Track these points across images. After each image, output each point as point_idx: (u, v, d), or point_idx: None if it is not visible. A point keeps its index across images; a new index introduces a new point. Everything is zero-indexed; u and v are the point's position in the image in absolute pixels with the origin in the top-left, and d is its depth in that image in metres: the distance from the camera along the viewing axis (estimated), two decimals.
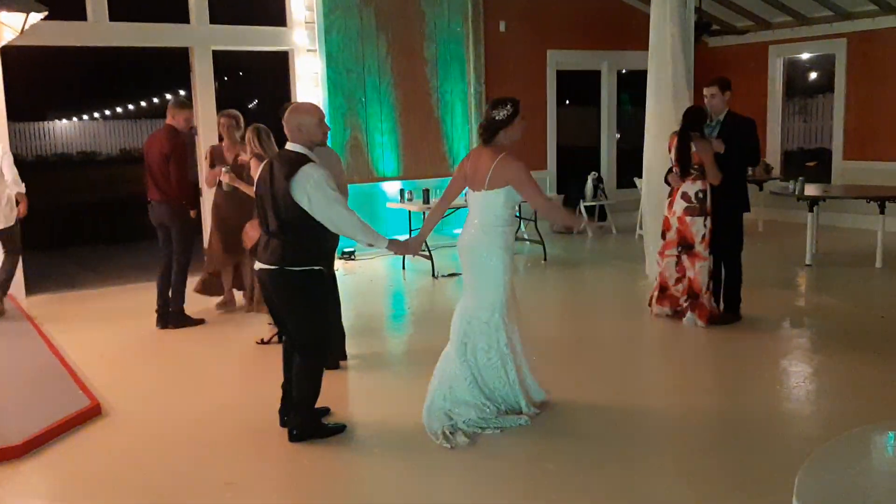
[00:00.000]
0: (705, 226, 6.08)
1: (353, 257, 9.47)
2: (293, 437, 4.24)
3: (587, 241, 10.54)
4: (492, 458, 4.04)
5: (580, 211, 10.94)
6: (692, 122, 6.05)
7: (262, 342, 6.04)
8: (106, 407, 4.81)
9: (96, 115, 33.25)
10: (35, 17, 6.23)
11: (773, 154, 11.59)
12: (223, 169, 6.60)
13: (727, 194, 6.04)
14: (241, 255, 6.82)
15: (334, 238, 4.28)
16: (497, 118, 4.27)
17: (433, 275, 8.44)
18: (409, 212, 9.33)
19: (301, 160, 4.03)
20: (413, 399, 4.57)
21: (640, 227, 9.59)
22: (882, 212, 8.28)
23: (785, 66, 11.76)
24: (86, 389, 4.99)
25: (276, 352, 5.34)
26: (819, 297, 7.44)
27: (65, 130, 32.90)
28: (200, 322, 6.73)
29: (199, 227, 7.73)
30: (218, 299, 7.21)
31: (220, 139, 7.01)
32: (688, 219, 6.11)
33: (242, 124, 6.85)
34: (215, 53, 8.81)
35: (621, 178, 11.95)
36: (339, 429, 4.38)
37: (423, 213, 8.90)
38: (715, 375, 5.41)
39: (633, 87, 11.83)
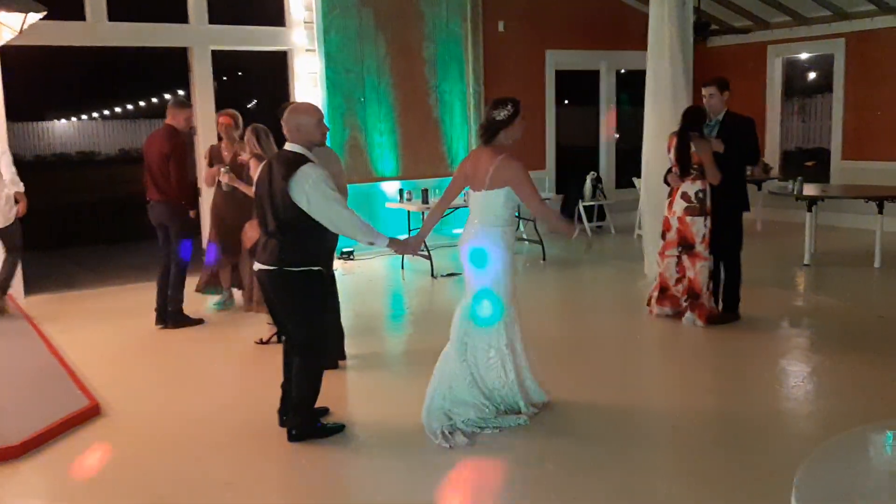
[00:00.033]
0: (705, 226, 6.09)
1: (351, 257, 9.47)
2: (292, 437, 4.24)
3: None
4: (491, 459, 4.04)
5: (579, 212, 10.97)
6: (691, 122, 6.05)
7: (262, 342, 6.04)
8: (105, 407, 4.81)
9: (95, 115, 33.26)
10: (34, 17, 6.22)
11: (771, 154, 11.60)
12: (222, 169, 6.60)
13: (727, 194, 6.04)
14: (239, 255, 6.82)
15: (333, 238, 4.28)
16: (497, 118, 4.28)
17: (432, 275, 8.44)
18: (408, 212, 9.33)
19: (299, 160, 4.03)
20: (412, 399, 4.57)
21: (639, 227, 9.60)
22: (880, 211, 8.29)
23: (784, 66, 11.76)
24: (84, 389, 4.99)
25: (275, 352, 5.34)
26: (818, 297, 7.45)
27: (64, 130, 32.91)
28: (199, 322, 6.73)
29: (198, 227, 7.73)
30: (216, 298, 7.23)
31: (220, 139, 7.02)
32: (688, 219, 6.12)
33: (241, 124, 6.85)
34: (214, 53, 8.81)
35: (620, 178, 11.95)
36: (338, 428, 4.38)
37: (422, 213, 8.90)
38: (714, 375, 5.41)
39: (631, 87, 11.84)
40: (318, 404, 4.37)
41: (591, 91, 11.93)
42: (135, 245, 10.71)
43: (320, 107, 8.89)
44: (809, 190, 8.85)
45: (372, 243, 4.11)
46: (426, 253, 8.42)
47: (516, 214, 4.51)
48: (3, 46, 7.03)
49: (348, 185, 5.76)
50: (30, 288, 7.85)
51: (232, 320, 6.89)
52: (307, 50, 9.29)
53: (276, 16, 9.29)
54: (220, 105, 7.83)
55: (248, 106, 20.29)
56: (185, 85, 9.10)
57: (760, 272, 7.89)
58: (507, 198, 4.27)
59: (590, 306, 7.49)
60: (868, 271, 8.19)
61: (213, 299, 7.26)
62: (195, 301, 7.02)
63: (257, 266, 4.20)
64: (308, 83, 9.32)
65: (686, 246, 6.16)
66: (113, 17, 8.22)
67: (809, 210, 8.47)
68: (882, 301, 7.26)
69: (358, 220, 4.05)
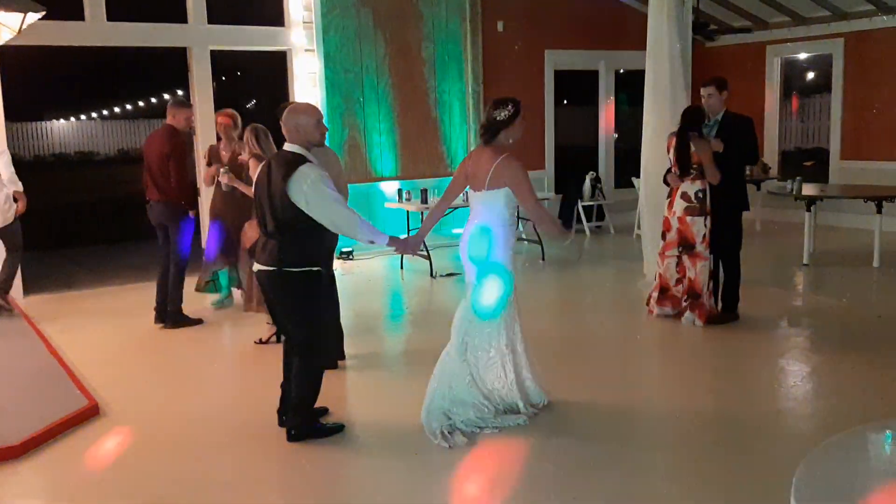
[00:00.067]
0: (706, 225, 6.09)
1: (351, 257, 9.47)
2: (291, 437, 4.24)
3: (585, 242, 10.55)
4: (490, 458, 4.04)
5: (578, 212, 10.97)
6: (690, 122, 6.05)
7: (261, 342, 6.04)
8: (104, 407, 4.81)
9: (94, 115, 33.22)
10: (33, 17, 6.22)
11: (770, 154, 11.61)
12: (221, 170, 6.60)
13: (726, 193, 6.05)
14: (236, 255, 6.86)
15: (332, 238, 4.28)
16: (498, 118, 4.28)
17: (431, 275, 8.44)
18: (408, 212, 9.33)
19: (298, 161, 4.03)
20: (411, 399, 4.57)
21: (638, 227, 9.60)
22: (879, 211, 8.30)
23: (782, 66, 11.77)
24: (84, 389, 4.99)
25: (275, 352, 5.35)
26: (816, 297, 7.46)
27: (62, 130, 32.87)
28: (198, 322, 6.73)
29: (196, 227, 7.72)
30: (215, 297, 7.24)
31: (219, 139, 7.02)
32: (688, 219, 6.12)
33: (240, 124, 6.85)
34: (213, 53, 8.81)
35: (619, 177, 11.95)
36: (338, 428, 4.38)
37: (421, 213, 8.91)
38: (713, 375, 5.41)
39: (630, 87, 11.84)
40: (317, 404, 4.38)
41: (590, 91, 11.94)
42: (134, 245, 10.71)
43: (319, 107, 8.92)
44: (808, 190, 8.86)
45: (372, 242, 4.10)
46: (425, 253, 8.43)
47: (517, 215, 4.51)
48: (2, 46, 7.03)
49: (348, 185, 5.76)
50: (29, 288, 7.85)
51: (231, 320, 6.89)
52: (306, 50, 9.29)
53: (275, 16, 9.29)
54: (220, 105, 7.83)
55: (248, 106, 20.27)
56: (185, 85, 9.10)
57: (759, 272, 7.89)
58: (508, 198, 4.27)
59: (589, 306, 7.49)
60: (867, 271, 8.20)
61: (212, 298, 7.26)
62: (195, 301, 7.02)
63: (257, 267, 4.20)
64: (307, 83, 9.32)
65: (686, 246, 6.16)
66: (112, 17, 8.22)
67: (808, 210, 8.48)
68: (881, 301, 7.27)
69: (358, 218, 4.05)
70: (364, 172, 9.82)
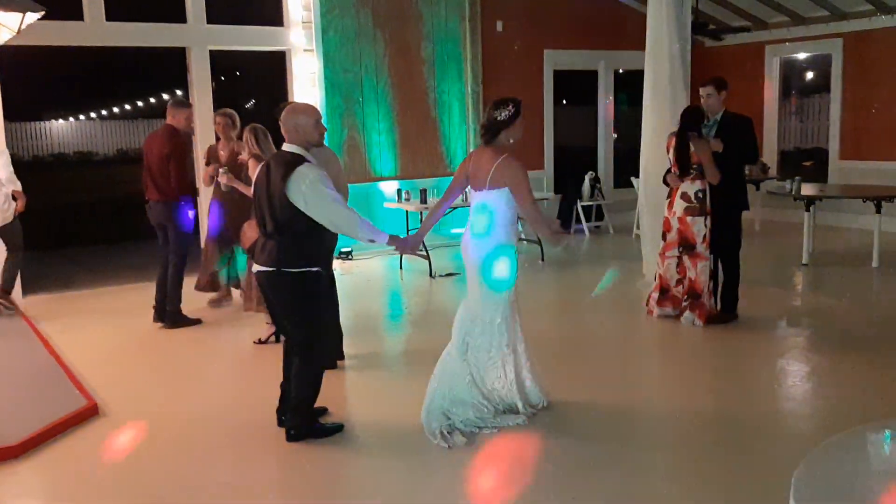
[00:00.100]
0: (706, 226, 6.09)
1: (350, 257, 9.47)
2: (290, 437, 4.24)
3: (584, 243, 10.55)
4: (489, 458, 4.04)
5: (577, 212, 10.97)
6: (690, 122, 6.05)
7: (260, 342, 6.04)
8: (103, 407, 4.80)
9: (93, 115, 33.21)
10: (32, 17, 6.21)
11: (769, 154, 11.61)
12: (220, 170, 6.60)
13: (726, 193, 6.05)
14: (233, 252, 6.92)
15: (332, 239, 4.27)
16: (499, 118, 4.29)
17: (430, 275, 8.44)
18: (407, 212, 9.33)
19: (297, 161, 4.03)
20: (410, 399, 4.57)
21: (637, 227, 9.60)
22: (878, 211, 8.30)
23: (781, 66, 11.77)
24: (83, 389, 4.98)
25: (274, 351, 5.34)
26: (816, 297, 7.46)
27: (61, 130, 32.84)
28: (197, 322, 6.73)
29: (196, 227, 7.72)
30: (213, 295, 7.26)
31: (218, 139, 7.03)
32: (688, 219, 6.11)
33: (238, 123, 6.86)
34: (212, 53, 8.80)
35: (618, 177, 11.96)
36: (337, 428, 4.38)
37: (421, 213, 8.91)
38: (712, 375, 5.41)
39: (630, 86, 11.84)
40: (317, 404, 4.37)
41: (590, 91, 11.94)
42: (133, 245, 10.71)
43: (319, 107, 8.92)
44: (807, 190, 8.86)
45: (372, 241, 4.10)
46: (425, 253, 8.43)
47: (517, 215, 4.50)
48: (1, 46, 7.02)
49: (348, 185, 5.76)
50: (28, 288, 7.84)
51: (230, 320, 6.89)
52: (305, 50, 9.28)
53: (274, 16, 9.28)
54: (219, 105, 7.83)
55: (247, 106, 20.26)
56: (184, 85, 9.09)
57: (759, 272, 7.90)
58: (509, 198, 4.27)
59: (588, 306, 7.49)
60: (866, 271, 8.20)
61: (210, 296, 7.26)
62: (193, 300, 7.02)
63: (256, 268, 4.20)
64: (306, 83, 9.32)
65: (687, 246, 6.16)
66: (111, 17, 8.21)
67: (807, 210, 8.48)
68: (880, 301, 7.27)
69: (357, 217, 4.05)
70: (363, 172, 9.82)
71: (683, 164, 6.05)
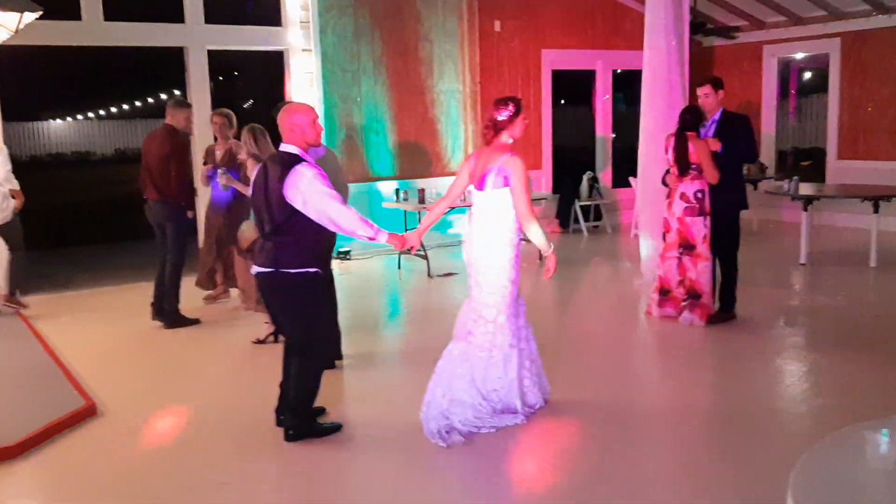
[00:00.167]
0: (705, 226, 6.09)
1: (348, 257, 9.47)
2: (289, 437, 4.24)
3: (582, 241, 10.56)
4: (488, 458, 4.04)
5: (575, 212, 10.98)
6: (688, 122, 6.06)
7: (259, 342, 6.04)
8: (101, 407, 4.80)
9: (91, 115, 33.18)
10: (29, 17, 6.20)
11: (767, 154, 11.62)
12: (219, 171, 6.60)
13: (725, 193, 6.05)
14: (224, 256, 6.96)
15: (330, 239, 4.28)
16: (500, 119, 4.30)
17: (429, 275, 8.44)
18: (405, 211, 9.33)
19: (294, 161, 4.03)
20: (409, 398, 4.58)
21: (636, 227, 9.61)
22: (876, 211, 8.31)
23: (779, 65, 11.79)
24: (81, 389, 4.98)
25: (272, 351, 5.35)
26: (813, 297, 7.47)
27: (59, 130, 32.81)
28: (196, 322, 6.73)
29: (194, 227, 7.74)
30: (211, 292, 7.30)
31: (216, 139, 7.03)
32: (687, 219, 6.11)
33: (235, 123, 6.86)
34: (210, 53, 8.80)
35: (616, 177, 11.96)
36: (335, 428, 4.38)
37: (419, 212, 8.91)
38: (710, 374, 5.42)
39: (628, 86, 11.85)
40: (315, 404, 4.37)
41: (588, 90, 11.95)
42: (131, 245, 10.70)
43: (317, 107, 8.92)
44: (805, 189, 8.87)
45: (372, 238, 4.10)
46: (423, 253, 8.44)
47: None
48: None
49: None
50: (26, 288, 7.82)
51: (229, 320, 6.89)
52: (303, 50, 9.28)
53: (272, 16, 9.28)
54: (217, 105, 7.84)
55: (245, 106, 20.27)
56: (182, 85, 9.08)
57: (757, 272, 7.91)
58: (510, 198, 4.28)
59: (586, 306, 7.49)
60: (864, 270, 8.21)
61: (205, 294, 7.28)
62: (192, 300, 7.02)
63: (255, 269, 4.20)
64: (304, 83, 9.31)
65: (687, 247, 6.16)
66: (108, 16, 8.20)
67: (805, 209, 8.49)
68: (878, 300, 7.28)
69: (356, 215, 4.05)
70: (361, 172, 9.82)
71: (682, 165, 6.06)
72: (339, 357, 5.53)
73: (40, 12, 6.23)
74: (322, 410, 4.57)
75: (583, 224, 10.98)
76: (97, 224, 14.42)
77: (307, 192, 3.95)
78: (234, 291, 7.33)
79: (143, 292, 6.99)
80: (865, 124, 10.58)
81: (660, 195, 6.62)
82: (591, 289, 8.16)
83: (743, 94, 11.68)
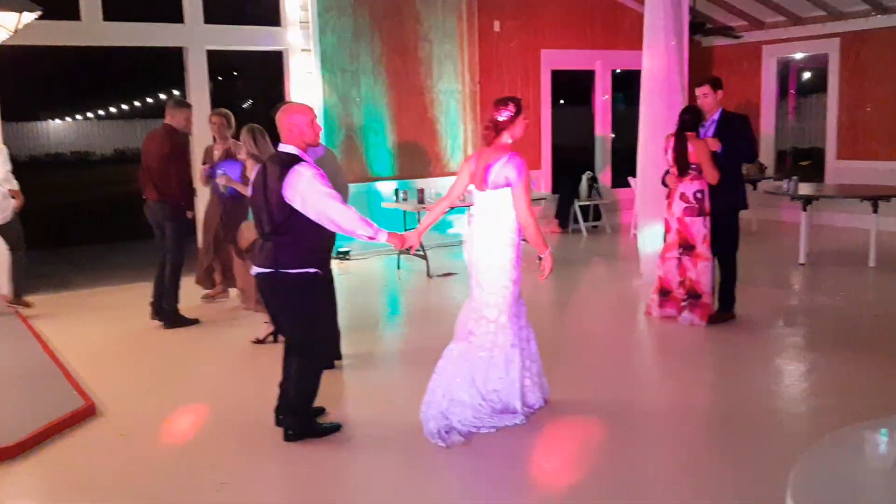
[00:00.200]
0: (705, 226, 6.09)
1: (347, 257, 9.47)
2: (288, 437, 4.24)
3: (582, 241, 10.56)
4: (487, 458, 4.04)
5: (575, 212, 10.98)
6: (688, 123, 6.06)
7: (258, 341, 6.04)
8: (100, 407, 4.80)
9: (90, 115, 33.19)
10: (28, 17, 6.20)
11: (766, 154, 11.63)
12: (219, 171, 6.60)
13: (725, 192, 6.05)
14: (218, 256, 6.97)
15: (330, 239, 4.27)
16: (500, 119, 4.30)
17: (428, 275, 8.44)
18: (404, 212, 9.33)
19: (293, 161, 4.02)
20: (408, 398, 4.58)
21: (635, 227, 9.61)
22: (875, 211, 8.32)
23: (778, 65, 11.79)
24: (80, 390, 4.98)
25: (271, 351, 5.35)
26: (813, 296, 7.47)
27: (58, 130, 32.82)
28: (195, 322, 6.73)
29: (193, 227, 7.74)
30: (209, 291, 7.31)
31: (215, 139, 7.03)
32: (687, 219, 6.11)
33: (233, 123, 6.86)
34: (209, 53, 8.80)
35: (616, 177, 11.97)
36: (335, 428, 4.38)
37: (418, 213, 8.92)
38: (710, 374, 5.42)
39: (627, 86, 11.85)
40: (314, 404, 4.37)
41: (587, 90, 11.96)
42: (130, 245, 10.70)
43: (316, 107, 8.92)
44: (804, 189, 8.88)
45: (372, 238, 4.09)
46: (423, 253, 8.44)
47: None
48: None
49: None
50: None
51: (228, 320, 6.88)
52: (303, 50, 9.28)
53: (271, 16, 9.28)
54: (216, 105, 7.84)
55: (244, 106, 20.27)
56: (181, 85, 9.08)
57: (756, 272, 7.91)
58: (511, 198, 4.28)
59: (586, 305, 7.50)
60: (863, 270, 8.21)
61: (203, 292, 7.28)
62: (191, 299, 7.02)
63: (254, 270, 4.20)
64: (303, 83, 9.31)
65: (687, 247, 6.16)
66: (108, 16, 8.20)
67: (804, 209, 8.49)
68: (877, 300, 7.28)
69: (356, 214, 4.04)
70: (360, 172, 9.82)
71: (682, 165, 6.06)
72: (339, 357, 5.53)
73: (39, 12, 6.23)
74: (321, 410, 4.57)
75: (582, 224, 10.99)
76: (97, 224, 14.42)
77: (306, 192, 3.95)
78: (233, 291, 7.35)
79: (143, 292, 6.98)
80: (864, 124, 10.58)
81: (659, 195, 6.62)
82: (591, 289, 8.15)
83: (742, 94, 11.68)
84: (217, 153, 6.86)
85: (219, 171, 6.58)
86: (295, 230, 4.04)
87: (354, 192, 9.00)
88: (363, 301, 7.67)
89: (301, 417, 4.27)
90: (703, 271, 6.15)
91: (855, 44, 10.54)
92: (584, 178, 11.17)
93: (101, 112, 33.41)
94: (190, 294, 7.10)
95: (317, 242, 4.16)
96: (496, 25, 10.62)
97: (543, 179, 11.26)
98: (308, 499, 3.79)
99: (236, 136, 6.58)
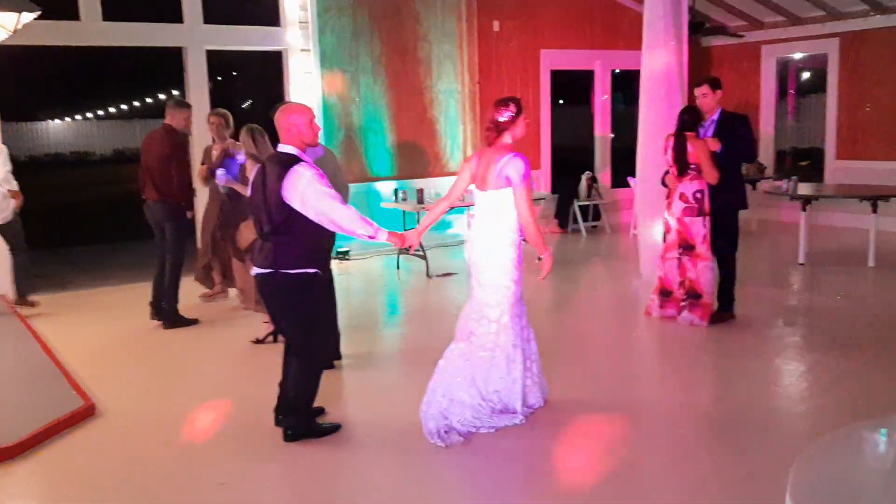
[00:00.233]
0: (705, 226, 6.09)
1: (347, 257, 9.47)
2: (288, 437, 4.24)
3: (581, 242, 10.57)
4: (486, 458, 4.05)
5: (574, 212, 10.98)
6: (687, 122, 6.06)
7: (258, 341, 6.04)
8: (100, 407, 4.80)
9: (89, 115, 33.19)
10: (27, 17, 6.20)
11: (766, 154, 11.64)
12: (219, 171, 6.60)
13: (725, 192, 6.05)
14: (216, 255, 6.97)
15: (329, 239, 4.27)
16: (501, 120, 4.30)
17: (427, 275, 8.44)
18: (404, 212, 9.33)
19: (292, 161, 4.03)
20: (407, 398, 4.58)
21: (634, 227, 9.61)
22: (874, 211, 8.32)
23: (778, 65, 11.80)
24: (79, 390, 4.98)
25: (271, 351, 5.35)
26: (812, 296, 7.47)
27: (58, 131, 32.81)
28: (194, 322, 6.73)
29: (193, 227, 7.74)
30: (208, 291, 7.31)
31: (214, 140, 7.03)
32: (687, 219, 6.11)
33: (232, 123, 6.86)
34: (209, 53, 8.79)
35: (615, 177, 11.98)
36: (334, 428, 4.38)
37: (418, 213, 8.92)
38: (709, 374, 5.42)
39: (626, 86, 11.86)
40: (314, 404, 4.37)
41: (586, 90, 11.96)
42: (130, 245, 10.70)
43: (315, 107, 8.92)
44: (804, 189, 8.88)
45: (372, 237, 4.10)
46: (422, 253, 8.44)
47: None
48: None
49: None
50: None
51: (227, 320, 6.89)
52: (302, 50, 9.28)
53: (270, 16, 9.28)
54: (215, 105, 7.84)
55: (243, 106, 20.27)
56: (180, 85, 9.08)
57: (755, 272, 7.91)
58: (513, 198, 4.28)
59: (585, 305, 7.50)
60: (862, 270, 8.22)
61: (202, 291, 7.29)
62: (190, 298, 7.02)
63: (254, 270, 4.20)
64: (303, 83, 9.31)
65: (686, 247, 6.16)
66: (107, 16, 8.20)
67: (804, 209, 8.50)
68: (876, 300, 7.28)
69: (356, 214, 4.04)
70: (360, 172, 9.82)
71: (681, 165, 6.06)
72: (339, 357, 5.53)
73: (38, 12, 6.22)
74: (321, 411, 4.57)
75: (581, 224, 10.99)
76: (96, 224, 14.42)
77: (306, 193, 3.95)
78: (232, 291, 7.35)
79: (143, 292, 6.98)
80: (864, 124, 10.59)
81: (658, 195, 6.61)
82: (591, 289, 8.16)
83: (741, 94, 11.68)
84: (215, 153, 6.86)
85: (219, 172, 6.58)
86: (294, 230, 4.04)
87: (354, 192, 9.01)
88: (363, 301, 7.68)
89: (301, 417, 4.27)
90: (703, 271, 6.14)
91: (854, 44, 10.55)
92: (584, 178, 11.17)
93: (100, 112, 33.42)
94: (190, 294, 7.10)
95: (316, 243, 4.16)
96: (495, 25, 10.62)
97: (543, 179, 11.26)
98: (308, 499, 3.79)
99: (235, 137, 6.58)
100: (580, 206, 11.03)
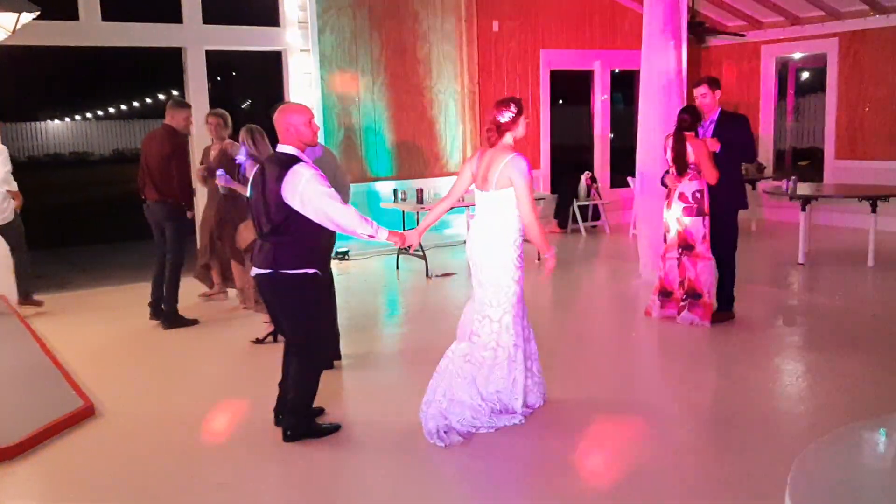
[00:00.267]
0: (704, 225, 6.09)
1: (346, 257, 9.47)
2: (287, 437, 4.24)
3: (581, 241, 10.57)
4: (486, 458, 4.05)
5: (574, 211, 10.99)
6: (686, 122, 6.06)
7: (257, 341, 6.04)
8: (99, 407, 4.80)
9: (89, 115, 33.17)
10: (27, 17, 6.20)
11: (765, 154, 11.64)
12: (219, 171, 6.60)
13: (724, 192, 6.05)
14: (216, 255, 6.96)
15: (329, 239, 4.27)
16: (502, 120, 4.30)
17: (427, 275, 8.44)
18: (403, 212, 9.33)
19: (291, 161, 4.03)
20: (407, 398, 4.58)
21: (634, 227, 9.62)
22: (874, 210, 8.32)
23: (777, 65, 11.80)
24: (79, 390, 4.98)
25: (271, 351, 5.35)
26: (811, 296, 7.47)
27: (57, 131, 32.80)
28: (194, 322, 6.73)
29: (193, 227, 7.75)
30: (207, 290, 7.32)
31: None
32: (686, 219, 6.12)
33: (230, 123, 6.86)
34: (208, 53, 8.79)
35: (615, 177, 11.98)
36: (334, 429, 4.38)
37: (417, 213, 8.92)
38: (709, 373, 5.42)
39: (626, 86, 11.85)
40: (313, 404, 4.37)
41: (586, 90, 11.96)
42: (130, 245, 10.71)
43: (315, 107, 8.92)
44: (803, 189, 8.88)
45: (372, 236, 4.09)
46: (422, 253, 8.44)
47: None
48: None
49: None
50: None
51: (227, 320, 6.88)
52: (301, 50, 9.28)
53: (270, 16, 9.28)
54: (215, 105, 7.84)
55: (243, 106, 20.27)
56: (180, 85, 9.07)
57: (755, 271, 7.91)
58: (514, 198, 4.28)
59: (585, 305, 7.50)
60: (862, 270, 8.22)
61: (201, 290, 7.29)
62: (190, 298, 7.02)
63: (254, 270, 4.20)
64: (302, 83, 9.31)
65: (686, 247, 6.17)
66: (106, 17, 8.20)
67: (803, 209, 8.50)
68: (876, 300, 7.29)
69: (355, 213, 4.04)
70: (360, 173, 9.82)
71: (681, 165, 6.06)
72: (338, 357, 5.53)
73: (38, 12, 6.23)
74: (321, 411, 4.57)
75: (581, 224, 10.99)
76: (96, 224, 14.42)
77: (305, 193, 3.95)
78: (232, 291, 7.35)
79: (142, 292, 6.98)
80: (863, 124, 10.59)
81: (658, 195, 6.62)
82: (590, 289, 8.16)
83: (741, 94, 11.69)
84: (213, 153, 6.86)
85: (218, 173, 6.58)
86: (294, 230, 4.04)
87: (354, 192, 9.02)
88: (363, 301, 7.68)
89: (300, 417, 4.27)
90: (703, 271, 6.14)
91: (853, 44, 10.55)
92: (583, 177, 11.17)
93: (99, 112, 33.41)
94: (189, 294, 7.10)
95: (316, 242, 4.16)
96: (495, 25, 10.62)
97: (542, 179, 11.26)
98: (307, 499, 3.79)
99: (234, 137, 6.58)
100: (580, 206, 11.03)
